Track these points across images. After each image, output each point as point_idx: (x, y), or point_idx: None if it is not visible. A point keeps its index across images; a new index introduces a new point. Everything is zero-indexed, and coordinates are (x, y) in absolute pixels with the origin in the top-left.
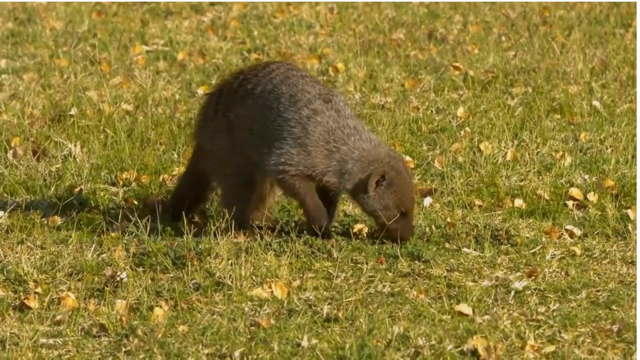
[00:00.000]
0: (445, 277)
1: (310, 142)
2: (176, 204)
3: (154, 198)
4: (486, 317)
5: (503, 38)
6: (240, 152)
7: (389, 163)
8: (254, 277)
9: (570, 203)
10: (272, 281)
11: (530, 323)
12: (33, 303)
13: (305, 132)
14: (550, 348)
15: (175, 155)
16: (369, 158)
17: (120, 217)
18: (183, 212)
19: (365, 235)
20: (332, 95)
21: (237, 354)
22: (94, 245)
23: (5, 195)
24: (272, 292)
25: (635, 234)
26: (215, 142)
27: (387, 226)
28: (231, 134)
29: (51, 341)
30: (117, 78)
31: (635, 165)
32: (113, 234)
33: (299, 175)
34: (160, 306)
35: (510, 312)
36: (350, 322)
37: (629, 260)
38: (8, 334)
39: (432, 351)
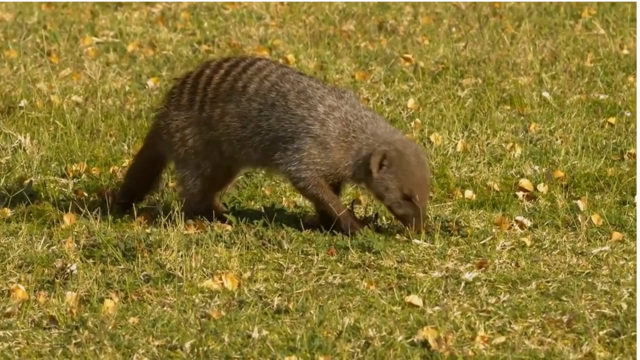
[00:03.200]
0: (395, 268)
1: (332, 138)
2: (127, 188)
3: (107, 190)
4: (436, 308)
5: (453, 29)
6: (217, 146)
7: (394, 145)
8: (204, 269)
9: (520, 194)
10: (222, 273)
11: (481, 314)
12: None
13: (325, 129)
14: (501, 339)
15: (126, 147)
16: (379, 141)
17: (70, 209)
18: (133, 203)
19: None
20: (343, 91)
21: (187, 345)
22: (44, 237)
23: None
24: (222, 283)
25: (585, 225)
26: (186, 132)
27: (394, 211)
28: (209, 128)
29: (1, 333)
30: (66, 70)
31: (585, 156)
32: (63, 226)
33: (322, 176)
34: (111, 298)
35: (461, 303)
36: (300, 313)
37: (579, 251)
38: None
39: (383, 342)
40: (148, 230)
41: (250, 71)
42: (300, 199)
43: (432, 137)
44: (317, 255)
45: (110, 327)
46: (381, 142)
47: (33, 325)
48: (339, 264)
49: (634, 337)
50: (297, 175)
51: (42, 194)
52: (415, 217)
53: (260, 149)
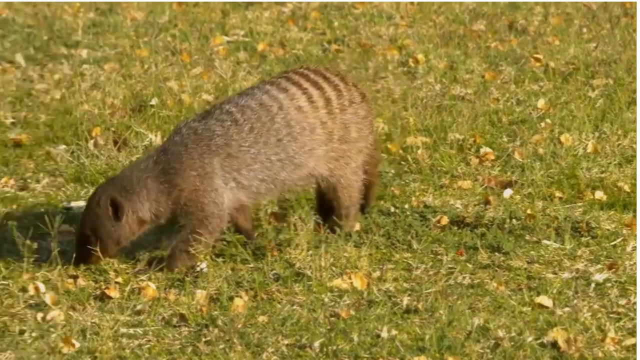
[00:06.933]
0: (525, 269)
1: None
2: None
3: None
4: (566, 309)
5: (584, 29)
6: None
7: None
8: (333, 268)
9: None
10: (351, 272)
11: (611, 315)
12: (114, 293)
13: None
14: (631, 340)
15: None
16: None
17: None
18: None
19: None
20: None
21: (316, 344)
22: (174, 235)
23: (86, 185)
24: (351, 283)
25: None
26: None
27: None
28: None
29: (131, 331)
30: (197, 68)
31: None
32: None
33: None
34: (240, 296)
35: (591, 304)
36: (429, 313)
37: None
38: (89, 323)
39: (512, 343)
40: (278, 229)
41: None
42: (429, 198)
43: (562, 138)
44: (447, 255)
45: (239, 326)
46: None
47: (163, 323)
48: (468, 264)
49: None
50: None
51: None
52: None
53: None
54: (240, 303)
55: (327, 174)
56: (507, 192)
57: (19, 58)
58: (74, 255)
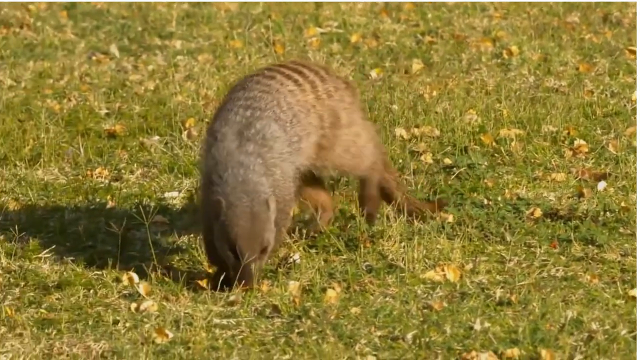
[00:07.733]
0: (619, 261)
1: (203, 175)
2: None
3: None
4: None
5: None
6: None
7: (228, 196)
8: (426, 260)
9: None
10: (444, 264)
11: None
12: (207, 284)
13: (203, 164)
14: None
15: None
16: (220, 191)
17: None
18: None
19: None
20: (248, 124)
21: (409, 336)
22: None
23: (180, 175)
24: (444, 275)
25: None
26: None
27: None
28: None
29: (224, 321)
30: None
31: None
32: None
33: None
34: (333, 288)
35: None
36: (523, 306)
37: None
38: (182, 314)
39: (606, 336)
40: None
41: None
42: (522, 191)
43: None
44: (540, 247)
45: (332, 317)
46: (221, 191)
47: (256, 314)
48: (561, 256)
49: None
50: None
51: None
52: (234, 270)
53: None
54: (332, 294)
55: (330, 166)
56: (601, 185)
57: (114, 49)
58: (246, 279)
